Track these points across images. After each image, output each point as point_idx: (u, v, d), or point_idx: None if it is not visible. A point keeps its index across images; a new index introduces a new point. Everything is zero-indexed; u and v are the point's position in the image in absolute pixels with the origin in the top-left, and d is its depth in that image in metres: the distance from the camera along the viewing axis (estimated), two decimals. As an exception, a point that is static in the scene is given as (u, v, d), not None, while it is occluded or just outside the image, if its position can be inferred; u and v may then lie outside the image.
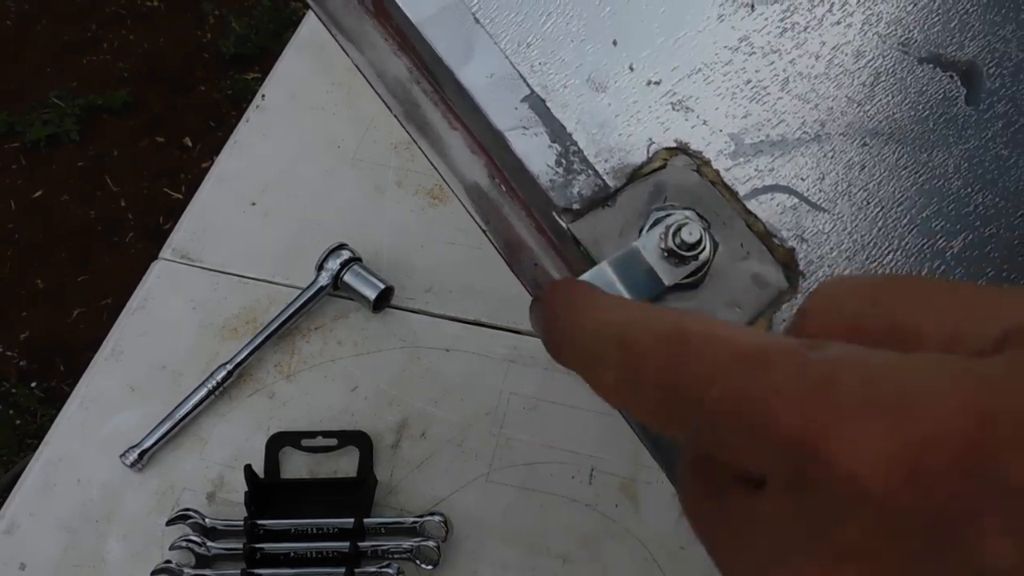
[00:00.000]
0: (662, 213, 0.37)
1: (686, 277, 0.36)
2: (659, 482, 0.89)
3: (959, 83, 0.40)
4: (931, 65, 0.40)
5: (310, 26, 1.26)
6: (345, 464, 0.93)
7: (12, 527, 0.89)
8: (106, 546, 0.88)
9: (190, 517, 0.87)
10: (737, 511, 0.26)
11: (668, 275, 0.36)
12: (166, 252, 1.07)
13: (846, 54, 0.41)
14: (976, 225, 0.39)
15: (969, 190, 0.39)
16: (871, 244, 0.38)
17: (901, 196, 0.38)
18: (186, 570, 0.85)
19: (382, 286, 0.99)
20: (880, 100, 0.40)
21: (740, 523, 0.26)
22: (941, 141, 0.39)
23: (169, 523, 0.87)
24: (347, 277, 1.00)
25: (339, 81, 1.20)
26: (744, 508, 0.25)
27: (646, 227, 0.37)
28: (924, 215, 0.39)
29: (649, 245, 0.36)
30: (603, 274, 0.35)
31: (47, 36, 2.77)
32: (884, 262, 0.38)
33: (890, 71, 0.40)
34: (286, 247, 1.07)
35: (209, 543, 0.86)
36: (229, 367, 0.96)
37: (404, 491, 0.91)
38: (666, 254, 0.35)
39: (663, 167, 0.38)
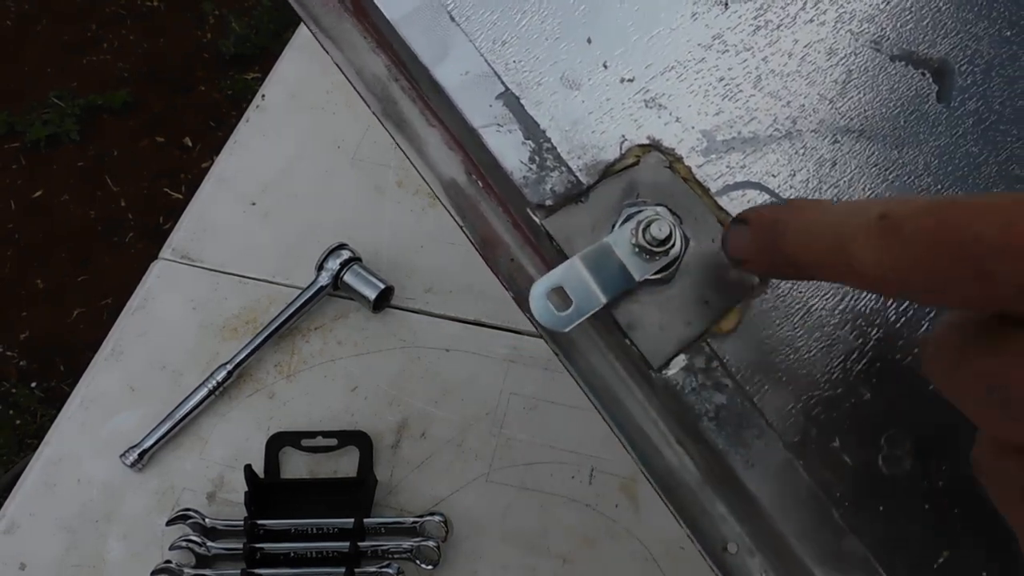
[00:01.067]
0: (634, 209, 0.37)
1: (657, 272, 0.36)
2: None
3: (931, 80, 0.40)
4: (903, 63, 0.40)
5: (310, 27, 1.27)
6: (345, 464, 0.93)
7: (12, 527, 0.90)
8: (106, 546, 0.89)
9: (190, 517, 0.87)
10: None
11: (639, 271, 0.35)
12: (166, 252, 1.08)
13: (819, 52, 0.41)
14: None
15: (939, 187, 0.38)
16: (841, 240, 0.38)
17: (871, 193, 0.38)
18: (186, 570, 0.86)
19: (382, 286, 0.99)
20: (852, 97, 0.40)
21: None
22: (912, 138, 0.39)
23: (169, 523, 0.88)
24: (347, 277, 1.00)
25: (339, 81, 1.20)
26: None
27: (618, 223, 0.37)
28: None
29: (620, 241, 0.36)
30: (574, 269, 0.35)
31: (47, 36, 2.79)
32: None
33: (862, 68, 0.40)
34: (286, 247, 1.07)
35: (209, 543, 0.87)
36: (229, 367, 0.96)
37: (404, 491, 0.91)
38: (637, 250, 0.35)
39: (636, 164, 0.38)
